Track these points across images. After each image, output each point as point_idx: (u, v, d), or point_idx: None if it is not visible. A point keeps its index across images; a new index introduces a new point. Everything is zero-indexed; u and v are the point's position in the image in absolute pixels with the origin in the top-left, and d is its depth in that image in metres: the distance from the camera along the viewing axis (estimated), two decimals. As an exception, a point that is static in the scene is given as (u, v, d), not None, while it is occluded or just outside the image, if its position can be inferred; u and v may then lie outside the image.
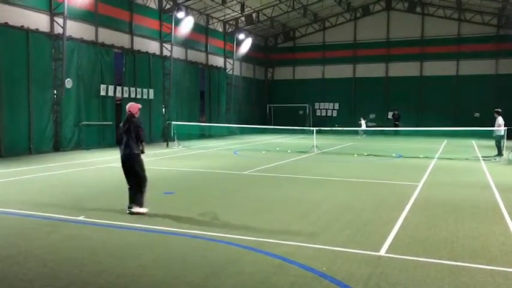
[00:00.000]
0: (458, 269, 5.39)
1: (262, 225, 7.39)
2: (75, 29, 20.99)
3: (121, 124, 8.17)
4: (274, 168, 14.77)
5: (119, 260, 5.67)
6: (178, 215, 8.19)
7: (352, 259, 5.71)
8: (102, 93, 22.37)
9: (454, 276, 5.16)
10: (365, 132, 32.79)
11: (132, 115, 8.00)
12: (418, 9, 37.02)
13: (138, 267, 5.43)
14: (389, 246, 6.24)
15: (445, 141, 27.17)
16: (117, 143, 8.26)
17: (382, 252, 5.99)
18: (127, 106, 8.20)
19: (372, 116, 35.57)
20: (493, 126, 18.90)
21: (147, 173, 8.27)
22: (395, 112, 36.01)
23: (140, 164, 8.00)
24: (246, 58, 38.09)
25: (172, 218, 7.85)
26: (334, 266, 5.45)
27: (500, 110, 18.79)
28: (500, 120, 18.37)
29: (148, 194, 10.23)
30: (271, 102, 41.96)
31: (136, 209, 7.87)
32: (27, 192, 10.33)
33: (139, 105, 8.23)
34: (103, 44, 22.64)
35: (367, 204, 9.07)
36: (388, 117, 37.27)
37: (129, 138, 7.85)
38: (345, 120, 36.06)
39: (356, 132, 32.92)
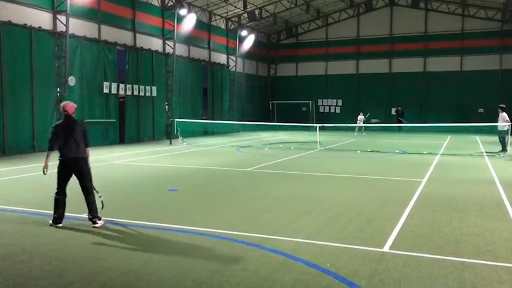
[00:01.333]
0: (462, 265, 5.37)
1: (266, 222, 7.38)
2: (77, 27, 21.01)
3: (59, 123, 7.36)
4: (277, 165, 14.76)
5: (123, 257, 5.68)
6: (182, 212, 8.21)
7: (356, 255, 5.70)
8: (105, 90, 22.40)
9: (459, 272, 5.14)
10: (359, 128, 32.55)
11: (69, 115, 7.31)
12: (422, 5, 36.86)
13: (141, 264, 5.44)
14: (393, 242, 6.23)
15: (448, 137, 27.08)
16: (53, 144, 7.23)
17: (386, 248, 5.98)
18: (62, 104, 7.49)
19: (374, 120, 35.54)
20: (497, 122, 18.81)
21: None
22: (399, 108, 35.97)
23: (90, 170, 7.36)
24: (249, 55, 38.04)
25: (176, 215, 7.87)
26: (338, 262, 5.45)
27: (504, 105, 18.70)
28: (505, 116, 18.26)
29: (154, 191, 10.28)
30: (274, 99, 41.90)
31: (99, 223, 7.14)
32: (31, 190, 10.37)
33: (75, 105, 7.59)
34: (106, 42, 22.66)
35: (370, 201, 9.05)
36: (392, 113, 37.27)
37: (76, 140, 7.16)
38: (348, 116, 35.98)
39: (359, 129, 32.85)
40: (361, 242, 6.25)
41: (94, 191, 7.36)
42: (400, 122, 34.31)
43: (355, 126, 32.04)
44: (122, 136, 23.90)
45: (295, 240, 6.34)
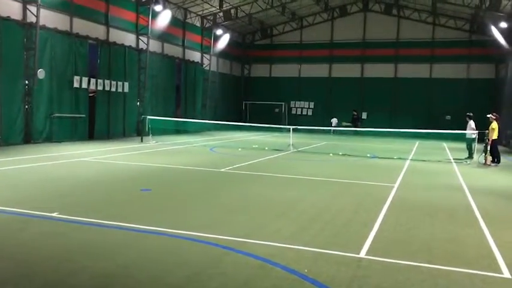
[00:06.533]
0: (437, 272, 5.46)
1: (241, 225, 7.32)
2: (49, 18, 20.38)
3: None
4: (251, 166, 14.71)
5: (95, 260, 5.50)
6: (156, 213, 8.04)
7: (333, 261, 5.71)
8: (76, 85, 21.82)
9: (434, 279, 5.22)
10: (334, 131, 33.70)
11: None
12: (394, 12, 37.53)
13: (115, 267, 5.28)
14: (369, 248, 6.27)
15: (417, 143, 27.67)
16: None
17: (363, 254, 6.01)
18: None
19: (345, 124, 36.59)
20: (464, 130, 19.33)
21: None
22: (354, 113, 36.97)
23: None
24: (223, 54, 37.88)
25: (149, 216, 7.70)
26: (316, 267, 5.44)
27: (472, 114, 19.22)
28: (472, 124, 18.80)
29: (126, 190, 10.04)
30: (247, 99, 41.89)
31: None
32: (-4, 186, 9.95)
33: None
34: (77, 35, 22.08)
35: (345, 204, 9.12)
36: (363, 117, 38.00)
37: None
38: (320, 119, 36.38)
39: (333, 131, 33.80)
40: (338, 247, 6.26)
41: None
42: (356, 126, 35.27)
43: (331, 129, 33.31)
44: (91, 132, 23.35)
45: (271, 243, 6.29)
